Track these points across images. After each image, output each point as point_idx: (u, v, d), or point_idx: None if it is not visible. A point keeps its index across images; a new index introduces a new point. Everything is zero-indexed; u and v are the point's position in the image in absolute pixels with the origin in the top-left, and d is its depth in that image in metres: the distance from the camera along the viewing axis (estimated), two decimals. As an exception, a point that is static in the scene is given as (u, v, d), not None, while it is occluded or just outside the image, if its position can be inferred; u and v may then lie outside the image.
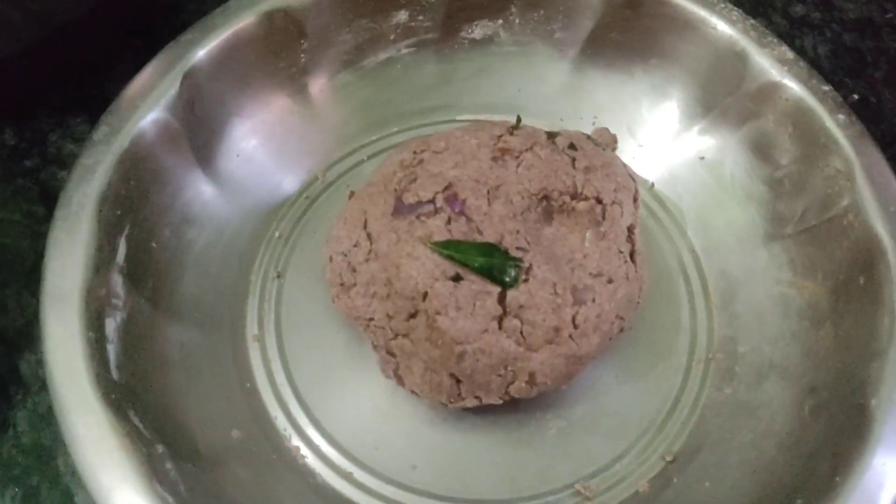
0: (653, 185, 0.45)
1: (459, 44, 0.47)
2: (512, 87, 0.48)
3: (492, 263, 0.34)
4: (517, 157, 0.37)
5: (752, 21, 0.43)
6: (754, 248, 0.42)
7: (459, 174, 0.36)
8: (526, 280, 0.34)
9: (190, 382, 0.37)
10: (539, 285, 0.34)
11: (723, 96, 0.43)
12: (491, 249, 0.35)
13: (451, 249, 0.34)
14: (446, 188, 0.36)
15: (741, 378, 0.39)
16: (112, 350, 0.34)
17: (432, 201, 0.35)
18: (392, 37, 0.46)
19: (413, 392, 0.37)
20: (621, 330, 0.37)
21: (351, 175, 0.46)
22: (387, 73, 0.47)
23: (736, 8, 0.43)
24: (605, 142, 0.46)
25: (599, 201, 0.37)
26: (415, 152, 0.38)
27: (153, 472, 0.31)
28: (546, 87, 0.48)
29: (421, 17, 0.46)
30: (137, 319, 0.36)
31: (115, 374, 0.33)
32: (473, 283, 0.34)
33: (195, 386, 0.37)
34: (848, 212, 0.38)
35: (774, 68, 0.41)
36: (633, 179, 0.39)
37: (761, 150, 0.42)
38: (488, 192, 0.36)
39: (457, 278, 0.34)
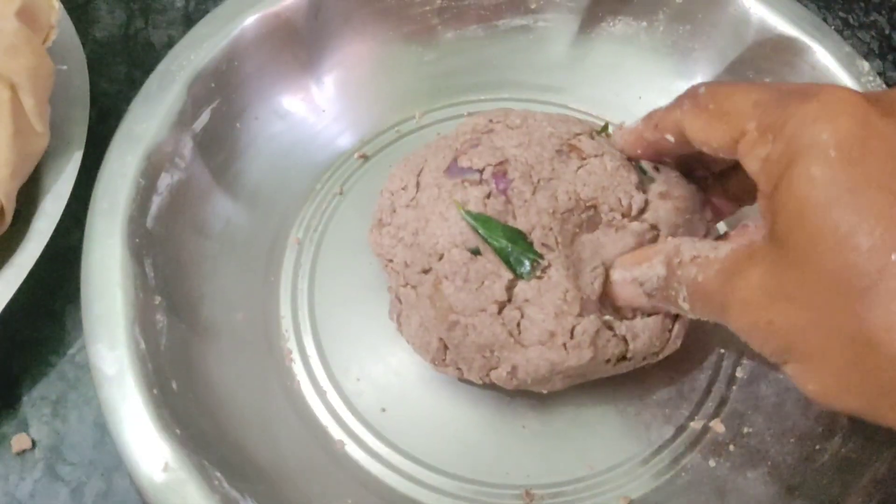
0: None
1: (598, 33, 0.46)
2: (634, 92, 0.46)
3: (512, 249, 0.34)
4: (583, 159, 0.36)
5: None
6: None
7: (518, 154, 0.36)
8: (540, 277, 0.34)
9: (217, 263, 0.39)
10: (550, 287, 0.34)
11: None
12: (516, 236, 0.34)
13: (479, 222, 0.34)
14: (500, 163, 0.36)
15: (731, 457, 0.37)
16: (157, 202, 0.37)
17: (481, 171, 0.36)
18: (534, 6, 0.46)
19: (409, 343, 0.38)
20: (623, 358, 0.35)
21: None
22: (517, 40, 0.47)
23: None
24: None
25: (654, 227, 0.36)
26: (490, 120, 0.38)
27: (140, 316, 0.33)
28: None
29: (569, -6, 0.45)
30: (192, 184, 0.39)
31: (148, 223, 0.36)
32: (489, 263, 0.34)
33: (221, 266, 0.39)
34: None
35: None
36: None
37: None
38: (538, 181, 0.35)
39: (475, 252, 0.34)
